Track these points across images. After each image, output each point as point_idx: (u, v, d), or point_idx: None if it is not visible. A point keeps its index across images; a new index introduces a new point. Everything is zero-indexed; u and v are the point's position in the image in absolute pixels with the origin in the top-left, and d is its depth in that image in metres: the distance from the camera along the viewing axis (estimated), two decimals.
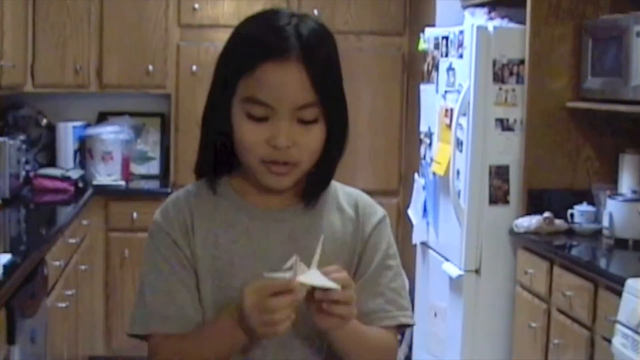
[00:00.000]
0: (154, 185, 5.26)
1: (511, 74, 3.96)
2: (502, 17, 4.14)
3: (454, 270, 4.13)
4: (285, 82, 1.41)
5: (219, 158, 1.55)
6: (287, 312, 1.37)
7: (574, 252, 3.56)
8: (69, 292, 3.91)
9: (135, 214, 4.88)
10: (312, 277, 1.38)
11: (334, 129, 1.48)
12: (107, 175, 5.11)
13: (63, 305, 3.74)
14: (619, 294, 2.99)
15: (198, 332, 1.49)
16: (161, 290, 1.51)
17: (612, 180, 3.88)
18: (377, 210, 1.62)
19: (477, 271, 4.05)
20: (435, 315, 4.40)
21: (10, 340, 2.76)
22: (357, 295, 1.46)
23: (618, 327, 2.89)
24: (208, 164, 1.56)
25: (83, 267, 4.41)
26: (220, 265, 1.51)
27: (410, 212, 4.83)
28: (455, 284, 4.16)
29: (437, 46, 4.45)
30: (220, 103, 1.49)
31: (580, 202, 3.89)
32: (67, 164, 5.10)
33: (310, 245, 1.46)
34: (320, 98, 1.43)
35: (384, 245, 1.60)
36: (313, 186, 1.55)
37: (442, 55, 4.36)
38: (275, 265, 1.44)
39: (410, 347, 5.08)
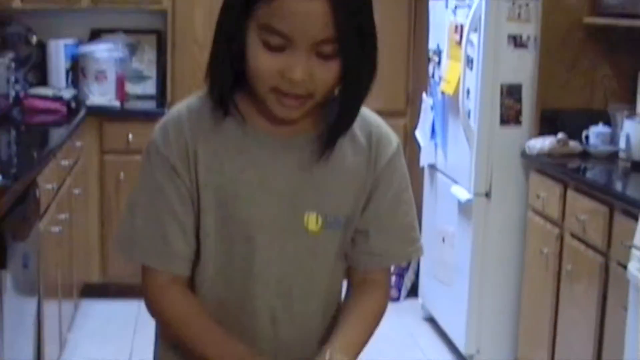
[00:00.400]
0: (150, 105, 5.19)
1: None
2: None
3: (463, 194, 4.11)
4: (309, 14, 1.35)
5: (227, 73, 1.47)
6: None
7: (588, 175, 3.53)
8: (62, 217, 3.90)
9: (130, 136, 4.83)
10: None
11: (356, 66, 1.42)
12: (100, 95, 5.05)
13: (56, 229, 3.73)
14: (635, 218, 2.97)
15: (204, 332, 1.48)
16: (152, 219, 1.49)
17: (630, 101, 3.82)
18: (391, 141, 1.58)
19: (487, 195, 4.02)
20: (443, 240, 4.40)
21: (1, 264, 2.74)
22: (367, 233, 1.55)
23: (634, 252, 2.87)
24: (220, 79, 1.46)
25: (76, 190, 4.38)
26: (224, 196, 1.48)
27: (417, 133, 4.79)
28: (464, 208, 4.14)
29: None
30: (234, 23, 1.41)
31: (595, 123, 3.84)
32: (59, 83, 5.03)
33: (319, 175, 1.45)
34: (342, 34, 1.37)
35: (397, 180, 1.59)
36: (335, 127, 1.50)
37: None
38: (282, 196, 1.45)
39: (417, 274, 5.10)
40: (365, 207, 1.57)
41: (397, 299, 5.12)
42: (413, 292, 5.13)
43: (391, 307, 5.56)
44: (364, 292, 1.62)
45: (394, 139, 1.59)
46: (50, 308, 3.71)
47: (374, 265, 1.62)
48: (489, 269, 4.07)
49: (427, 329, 4.72)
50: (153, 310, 1.55)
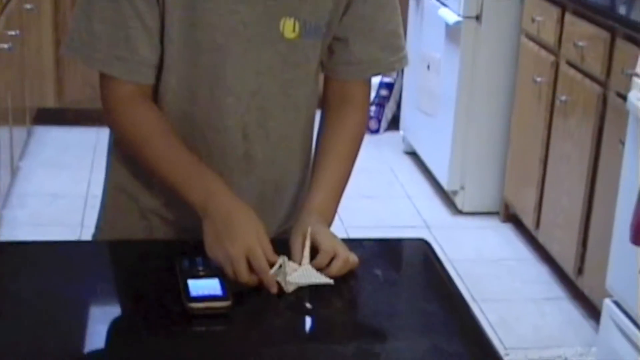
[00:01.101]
0: None
1: None
2: None
3: (451, 17, 3.99)
4: None
5: None
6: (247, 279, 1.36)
7: None
8: (12, 33, 3.76)
9: None
10: (303, 276, 1.38)
11: None
12: None
13: (5, 46, 3.60)
14: (638, 44, 2.88)
15: (168, 152, 1.46)
16: (112, 21, 1.43)
17: None
18: None
19: (478, 18, 3.92)
20: (428, 67, 4.32)
21: None
22: (346, 40, 1.53)
23: (636, 80, 2.80)
24: None
25: (28, 6, 4.22)
26: None
27: None
28: (452, 32, 4.04)
29: None
30: None
31: None
32: None
33: None
34: None
35: None
36: None
37: None
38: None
39: (398, 104, 5.05)
40: (345, 12, 1.52)
41: (377, 130, 5.09)
42: (394, 123, 5.09)
43: (370, 140, 5.56)
44: (342, 116, 1.59)
45: None
46: (1, 134, 3.64)
47: (352, 76, 1.58)
48: (477, 99, 4.01)
49: (408, 163, 4.71)
50: (114, 126, 1.52)
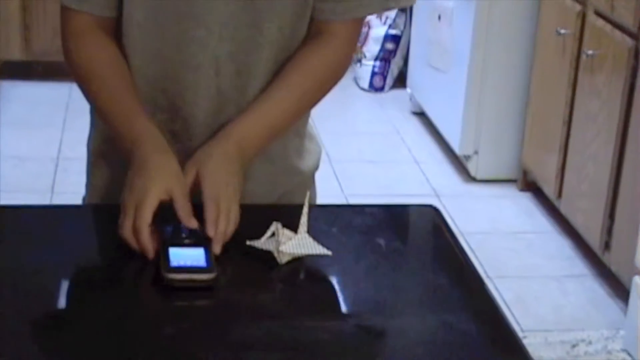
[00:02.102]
0: None
1: None
2: None
3: None
4: None
5: None
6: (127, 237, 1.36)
7: None
8: None
9: None
10: (299, 245, 1.37)
11: None
12: None
13: None
14: None
15: (110, 90, 1.50)
16: None
17: None
18: None
19: None
20: (439, 18, 4.30)
21: None
22: None
23: None
24: None
25: None
26: None
27: None
28: None
29: None
30: None
31: None
32: None
33: None
34: None
35: None
36: None
37: None
38: None
39: (405, 60, 5.03)
40: None
41: (382, 88, 5.07)
42: (400, 80, 5.08)
43: (374, 99, 5.60)
44: (317, 43, 1.56)
45: None
46: None
47: (339, 16, 1.54)
48: (493, 53, 3.99)
49: (415, 125, 4.70)
50: (68, 63, 1.54)
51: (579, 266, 3.49)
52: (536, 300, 3.28)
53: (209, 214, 1.37)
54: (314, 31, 1.57)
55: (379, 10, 1.60)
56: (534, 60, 3.88)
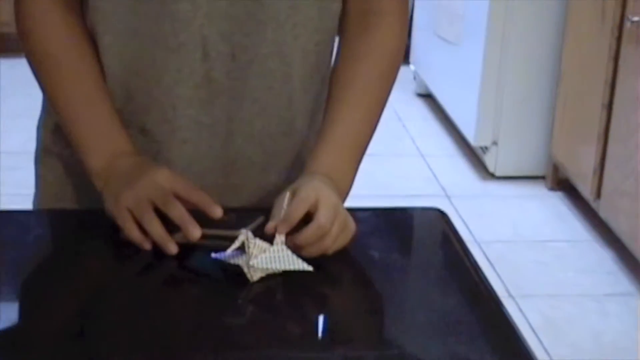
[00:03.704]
0: None
1: None
2: None
3: None
4: None
5: None
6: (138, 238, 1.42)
7: None
8: None
9: None
10: (274, 259, 1.38)
11: None
12: None
13: None
14: None
15: (73, 84, 1.54)
16: None
17: None
18: None
19: None
20: None
21: None
22: None
23: None
24: None
25: None
26: None
27: None
28: None
29: None
30: None
31: None
32: None
33: None
34: None
35: None
36: None
37: None
38: None
39: (408, 31, 5.04)
40: None
41: None
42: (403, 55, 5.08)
43: None
44: (366, 32, 1.59)
45: None
46: None
47: None
48: (515, 20, 4.01)
49: (421, 109, 4.73)
50: (21, 39, 1.56)
51: (623, 283, 3.51)
52: (570, 324, 3.29)
53: (292, 209, 1.41)
54: (353, 14, 1.59)
55: None
56: (566, 30, 3.90)
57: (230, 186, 1.59)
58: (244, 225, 1.40)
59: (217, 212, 1.40)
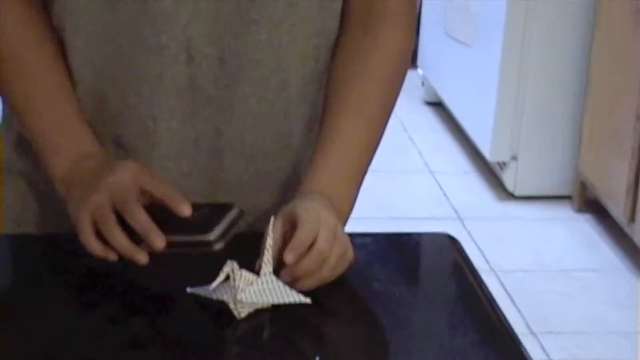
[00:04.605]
0: None
1: None
2: None
3: None
4: None
5: None
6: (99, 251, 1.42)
7: None
8: None
9: None
10: (263, 292, 1.38)
11: None
12: None
13: None
14: None
15: (33, 82, 1.55)
16: None
17: None
18: None
19: None
20: None
21: None
22: None
23: None
24: None
25: None
26: None
27: None
28: None
29: None
30: None
31: None
32: None
33: None
34: None
35: None
36: None
37: None
38: None
39: (416, 30, 5.05)
40: None
41: None
42: None
43: None
44: (369, 34, 1.60)
45: None
46: None
47: None
48: (537, 18, 4.02)
49: (430, 120, 4.73)
50: None
51: None
52: None
53: (302, 233, 1.40)
54: (355, 13, 1.60)
55: None
56: (596, 30, 3.91)
57: None
58: (217, 220, 1.40)
59: (185, 210, 1.40)
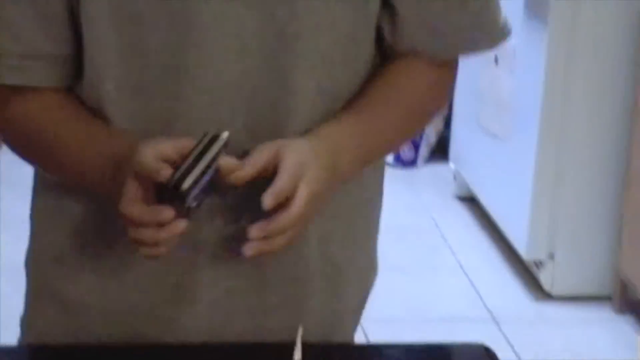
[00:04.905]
0: None
1: None
2: None
3: None
4: None
5: None
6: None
7: None
8: None
9: None
10: None
11: None
12: None
13: None
14: None
15: (63, 135, 1.56)
16: None
17: None
18: None
19: None
20: (496, 60, 4.36)
21: None
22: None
23: None
24: None
25: None
26: None
27: None
28: (534, 4, 4.10)
29: None
30: None
31: None
32: None
33: None
34: None
35: None
36: None
37: None
38: None
39: (447, 121, 5.07)
40: None
41: (413, 162, 5.12)
42: (440, 150, 5.15)
43: (403, 177, 5.64)
44: (404, 68, 1.62)
45: None
46: None
47: (438, 52, 1.61)
48: (574, 110, 4.02)
49: (462, 216, 4.73)
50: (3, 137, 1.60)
51: None
52: None
53: (280, 183, 1.42)
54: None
55: (481, 49, 1.65)
56: (635, 121, 3.91)
57: None
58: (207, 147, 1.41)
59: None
